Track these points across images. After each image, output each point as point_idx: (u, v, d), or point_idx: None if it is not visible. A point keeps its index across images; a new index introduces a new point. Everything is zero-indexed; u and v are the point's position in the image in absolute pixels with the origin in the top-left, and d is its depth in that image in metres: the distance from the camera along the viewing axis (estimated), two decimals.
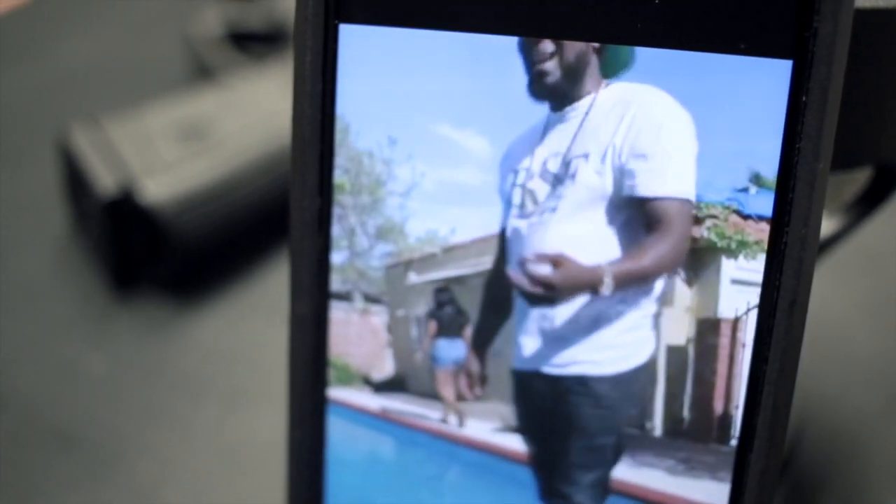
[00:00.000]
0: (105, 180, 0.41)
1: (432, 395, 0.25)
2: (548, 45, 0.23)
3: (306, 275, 0.24)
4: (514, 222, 0.25)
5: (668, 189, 0.23)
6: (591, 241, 0.24)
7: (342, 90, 0.23)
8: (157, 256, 0.42)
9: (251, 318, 0.42)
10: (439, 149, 0.24)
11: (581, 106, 0.23)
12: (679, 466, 0.24)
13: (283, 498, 0.26)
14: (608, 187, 0.24)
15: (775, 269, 0.22)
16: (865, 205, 0.30)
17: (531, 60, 0.23)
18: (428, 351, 0.25)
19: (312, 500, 0.26)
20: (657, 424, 0.24)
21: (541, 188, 0.25)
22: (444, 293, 0.25)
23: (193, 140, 0.43)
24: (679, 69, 0.22)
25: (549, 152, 0.24)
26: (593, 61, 0.23)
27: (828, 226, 0.30)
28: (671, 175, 0.23)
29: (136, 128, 0.43)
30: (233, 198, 0.42)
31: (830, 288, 0.42)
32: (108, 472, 0.36)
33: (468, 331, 0.25)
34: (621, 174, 0.23)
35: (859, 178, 0.29)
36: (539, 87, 0.23)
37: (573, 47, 0.23)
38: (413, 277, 0.25)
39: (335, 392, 0.26)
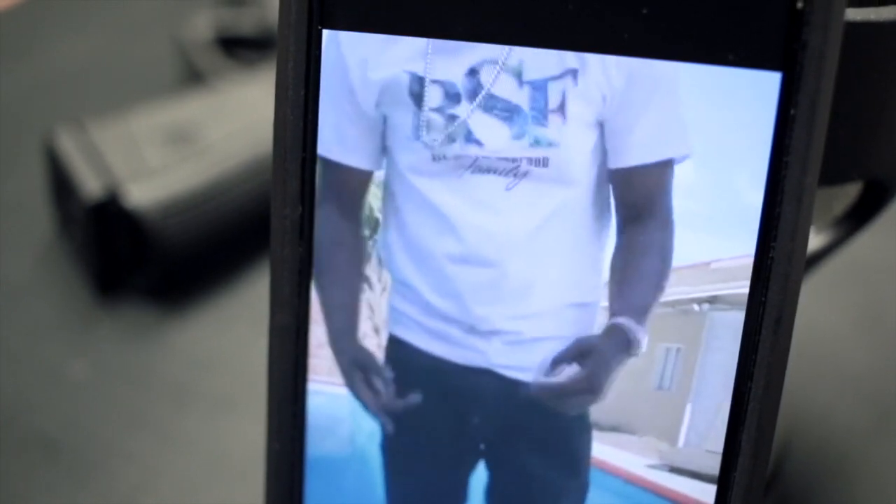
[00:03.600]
0: (90, 184, 0.40)
1: None
2: None
3: (287, 284, 0.24)
4: (422, 182, 0.21)
5: (663, 152, 0.20)
6: (588, 254, 0.21)
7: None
8: (142, 261, 0.42)
9: (235, 324, 0.41)
10: None
11: None
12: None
13: None
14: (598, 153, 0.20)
15: (761, 285, 0.22)
16: (855, 220, 0.29)
17: None
18: None
19: None
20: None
21: (485, 123, 0.20)
22: None
23: (180, 144, 0.43)
24: (667, 80, 0.22)
25: (477, 56, 0.20)
26: None
27: (817, 241, 0.30)
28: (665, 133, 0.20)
29: (122, 131, 0.43)
30: (218, 203, 0.42)
31: (819, 303, 0.42)
32: (89, 478, 0.35)
33: None
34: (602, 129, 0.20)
35: (849, 193, 0.29)
36: None
37: None
38: None
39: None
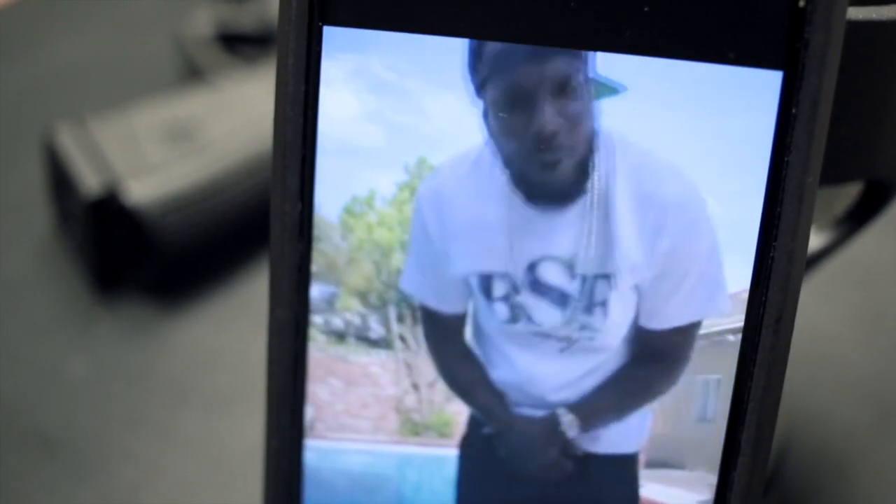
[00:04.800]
0: (89, 180, 0.40)
1: None
2: (549, 121, 0.22)
3: (286, 281, 0.24)
4: (505, 343, 0.24)
5: (697, 314, 0.23)
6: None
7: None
8: (141, 258, 0.42)
9: (235, 322, 0.41)
10: None
11: (585, 196, 0.22)
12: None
13: None
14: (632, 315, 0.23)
15: (761, 284, 0.22)
16: (856, 219, 0.29)
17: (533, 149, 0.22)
18: None
19: None
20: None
21: (538, 307, 0.23)
22: None
23: (180, 141, 0.43)
24: (667, 78, 0.21)
25: (531, 250, 0.23)
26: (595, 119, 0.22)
27: (818, 240, 0.30)
28: (706, 298, 0.23)
29: (121, 128, 0.43)
30: (218, 200, 0.42)
31: (820, 303, 0.42)
32: (88, 476, 0.35)
33: None
34: (640, 296, 0.23)
35: (850, 193, 0.29)
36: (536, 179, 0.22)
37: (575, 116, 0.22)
38: None
39: None
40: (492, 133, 0.22)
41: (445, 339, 0.24)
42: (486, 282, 0.24)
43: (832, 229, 0.30)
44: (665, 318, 0.23)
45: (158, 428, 0.37)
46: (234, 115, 0.44)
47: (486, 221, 0.23)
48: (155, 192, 0.41)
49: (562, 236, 0.23)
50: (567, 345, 0.24)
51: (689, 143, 0.22)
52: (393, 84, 0.23)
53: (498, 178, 0.23)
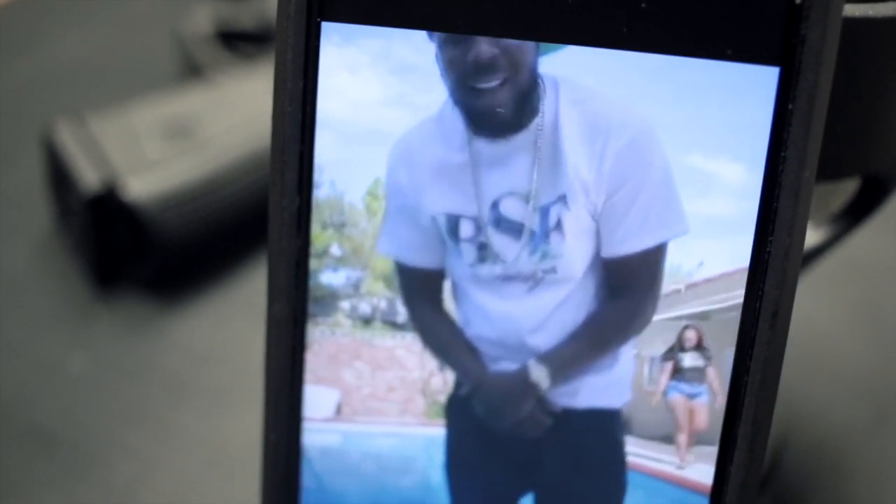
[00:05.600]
0: (89, 177, 0.40)
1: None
2: (484, 48, 0.22)
3: (284, 275, 0.24)
4: (477, 292, 0.24)
5: (655, 237, 0.23)
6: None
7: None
8: (140, 254, 0.42)
9: (233, 318, 0.41)
10: None
11: (533, 128, 0.23)
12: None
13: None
14: (593, 245, 0.23)
15: (758, 279, 0.22)
16: (853, 216, 0.29)
17: (466, 75, 0.22)
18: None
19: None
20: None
21: (503, 244, 0.24)
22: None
23: (179, 138, 0.43)
24: (664, 74, 0.22)
25: (492, 189, 0.23)
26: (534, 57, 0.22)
27: (815, 236, 0.30)
28: (660, 219, 0.23)
29: (121, 125, 0.43)
30: (217, 197, 0.42)
31: (817, 299, 0.42)
32: (87, 471, 0.35)
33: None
34: (598, 224, 0.23)
35: (847, 189, 0.29)
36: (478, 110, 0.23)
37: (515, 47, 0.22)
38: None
39: None
40: (445, 78, 0.23)
41: (422, 296, 0.24)
42: (453, 223, 0.24)
43: (829, 225, 0.30)
44: (623, 243, 0.23)
45: (157, 423, 0.37)
46: (234, 112, 0.45)
47: (449, 164, 0.23)
48: (154, 189, 0.41)
49: (517, 168, 0.23)
50: (533, 283, 0.24)
51: (687, 138, 0.22)
52: (401, 67, 0.23)
53: (457, 123, 0.23)
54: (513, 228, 0.24)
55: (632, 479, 0.24)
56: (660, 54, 0.21)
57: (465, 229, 0.24)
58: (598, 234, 0.23)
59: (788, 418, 0.37)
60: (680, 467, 0.24)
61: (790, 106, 0.21)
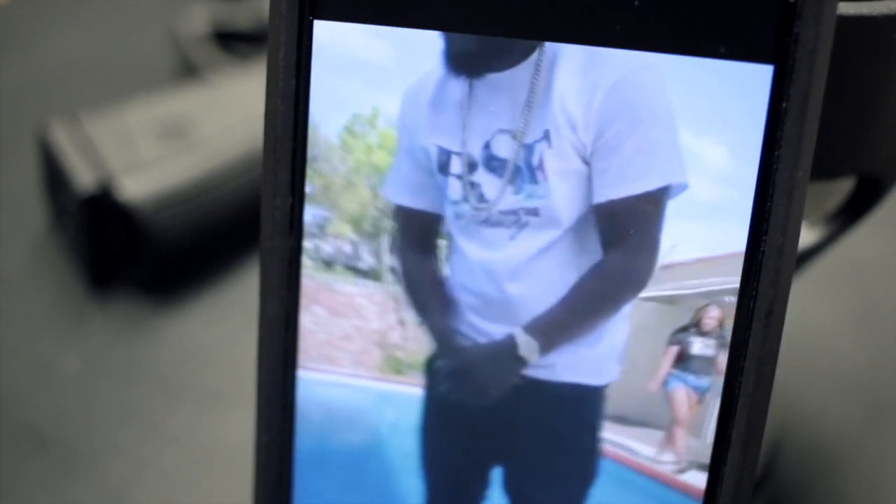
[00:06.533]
0: (83, 177, 0.40)
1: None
2: None
3: (276, 275, 0.24)
4: (463, 241, 0.23)
5: (649, 181, 0.22)
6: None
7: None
8: (135, 254, 0.41)
9: (227, 318, 0.41)
10: None
11: (532, 60, 0.22)
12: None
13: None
14: (582, 190, 0.22)
15: (752, 279, 0.22)
16: (848, 215, 0.29)
17: None
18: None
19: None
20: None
21: (489, 183, 0.23)
22: None
23: (174, 138, 0.43)
24: (656, 108, 0.21)
25: (486, 128, 0.23)
26: None
27: (810, 236, 0.30)
28: (657, 163, 0.22)
29: (115, 125, 0.43)
30: (212, 197, 0.42)
31: (812, 299, 0.42)
32: (79, 471, 0.35)
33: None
34: (590, 167, 0.22)
35: (842, 188, 0.29)
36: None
37: None
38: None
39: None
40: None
41: (416, 243, 0.24)
42: (444, 157, 0.23)
43: (824, 225, 0.30)
44: (614, 186, 0.22)
45: (150, 424, 0.37)
46: (229, 113, 0.44)
47: (448, 100, 0.23)
48: (148, 189, 0.41)
49: (511, 104, 0.22)
50: (516, 229, 0.23)
51: (680, 136, 0.22)
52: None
53: (458, 55, 0.22)
54: (499, 167, 0.23)
55: (608, 469, 0.24)
56: (653, 52, 0.21)
57: (455, 166, 0.23)
58: (589, 179, 0.22)
59: (783, 418, 0.37)
60: (672, 465, 0.23)
61: (784, 104, 0.21)
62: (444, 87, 0.23)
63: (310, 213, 0.24)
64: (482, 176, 0.23)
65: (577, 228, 0.23)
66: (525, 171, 0.23)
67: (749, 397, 0.22)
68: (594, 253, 0.23)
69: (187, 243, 0.42)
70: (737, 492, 0.23)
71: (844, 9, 0.23)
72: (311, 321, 0.24)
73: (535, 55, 0.22)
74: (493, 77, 0.22)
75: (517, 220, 0.23)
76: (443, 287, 0.24)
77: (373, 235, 0.24)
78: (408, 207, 0.23)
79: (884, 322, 0.42)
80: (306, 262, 0.24)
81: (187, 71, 0.51)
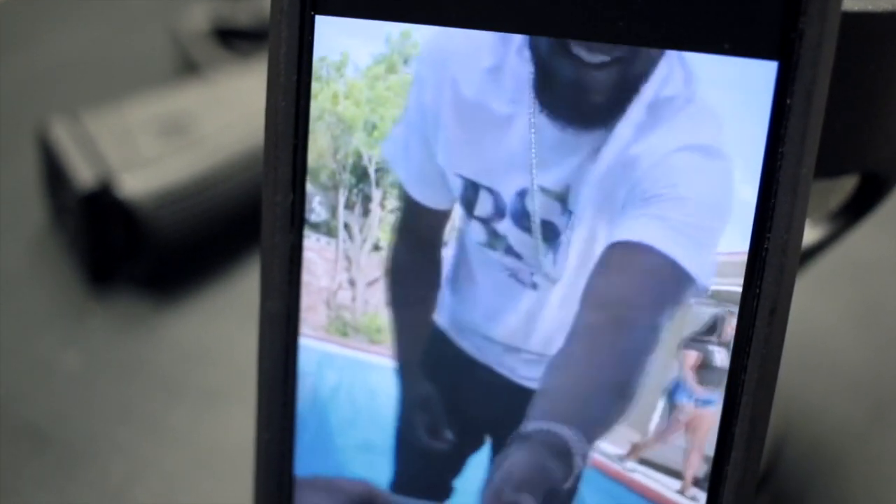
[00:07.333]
0: (83, 174, 0.40)
1: None
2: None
3: (277, 272, 0.24)
4: (481, 266, 0.22)
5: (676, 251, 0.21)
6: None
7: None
8: (134, 252, 0.41)
9: (228, 316, 0.41)
10: None
11: (610, 129, 0.21)
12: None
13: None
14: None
15: (756, 276, 0.22)
16: (851, 213, 0.29)
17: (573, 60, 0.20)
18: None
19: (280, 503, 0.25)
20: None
21: (518, 239, 0.22)
22: None
23: (174, 135, 0.43)
24: (661, 68, 0.21)
25: (529, 177, 0.22)
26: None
27: (813, 234, 0.30)
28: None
29: (115, 122, 0.43)
30: (212, 194, 0.42)
31: (815, 297, 0.42)
32: (79, 469, 0.35)
33: None
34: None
35: (845, 186, 0.29)
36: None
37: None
38: None
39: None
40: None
41: (414, 234, 0.23)
42: (471, 192, 0.22)
43: (828, 223, 0.30)
44: (638, 231, 0.21)
45: (150, 422, 0.37)
46: (229, 110, 0.44)
47: (492, 115, 0.21)
48: (148, 186, 0.40)
49: (564, 163, 0.21)
50: (530, 290, 0.22)
51: (684, 132, 0.22)
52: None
53: (522, 86, 0.21)
54: (529, 225, 0.22)
55: (589, 478, 0.23)
56: (657, 48, 0.21)
57: (483, 206, 0.22)
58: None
59: (786, 417, 0.37)
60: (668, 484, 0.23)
61: (788, 101, 0.21)
62: (493, 94, 0.21)
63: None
64: (510, 230, 0.22)
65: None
66: (563, 242, 0.22)
67: (752, 395, 0.22)
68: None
69: (188, 241, 0.42)
70: (740, 489, 0.23)
71: (849, 5, 0.23)
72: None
73: (620, 121, 0.21)
74: (559, 127, 0.21)
75: (533, 283, 0.22)
76: (436, 277, 0.23)
77: (329, 188, 0.23)
78: (410, 196, 0.23)
79: (886, 320, 0.42)
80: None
81: (188, 68, 0.51)
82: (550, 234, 0.22)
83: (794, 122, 0.21)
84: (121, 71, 0.54)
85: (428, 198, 0.23)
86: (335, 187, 0.23)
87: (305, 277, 0.23)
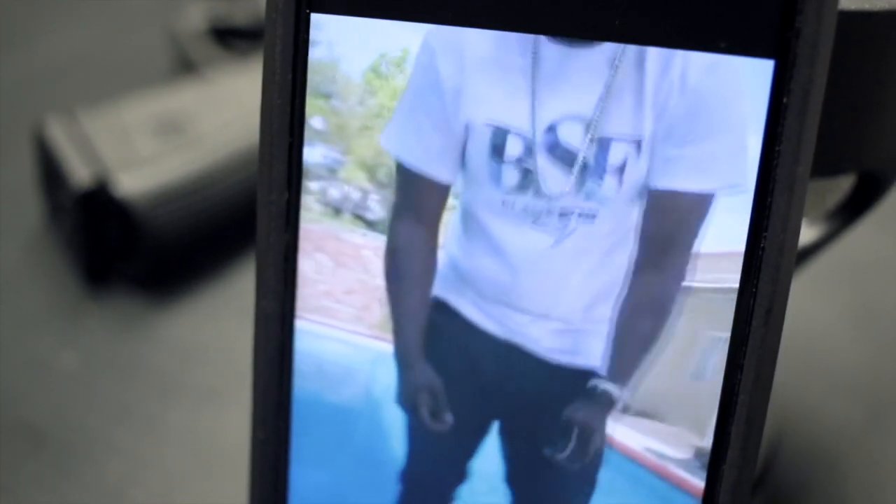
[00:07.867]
0: (79, 173, 0.40)
1: None
2: None
3: (273, 271, 0.24)
4: (503, 226, 0.22)
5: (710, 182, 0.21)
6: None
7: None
8: (131, 251, 0.41)
9: (224, 315, 0.41)
10: None
11: (608, 47, 0.20)
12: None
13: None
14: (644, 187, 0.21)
15: (752, 276, 0.22)
16: (848, 213, 0.29)
17: None
18: None
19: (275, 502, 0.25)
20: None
21: (553, 175, 0.21)
22: None
23: (171, 134, 0.43)
24: (658, 66, 0.21)
25: (558, 111, 0.21)
26: None
27: (810, 234, 0.30)
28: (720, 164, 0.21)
29: (112, 121, 0.42)
30: (209, 193, 0.42)
31: (812, 297, 0.42)
32: (75, 468, 0.35)
33: None
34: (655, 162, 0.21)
35: (842, 186, 0.29)
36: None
37: None
38: None
39: None
40: None
41: (415, 210, 0.22)
42: (499, 138, 0.21)
43: (824, 223, 0.30)
44: (681, 177, 0.21)
45: (147, 420, 0.37)
46: (226, 109, 0.44)
47: (507, 67, 0.21)
48: (145, 185, 0.40)
49: (585, 87, 0.21)
50: (561, 234, 0.21)
51: (680, 131, 0.22)
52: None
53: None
54: (567, 159, 0.21)
55: (614, 463, 0.23)
56: (653, 47, 0.21)
57: (513, 148, 0.21)
58: (647, 170, 0.21)
59: (783, 417, 0.37)
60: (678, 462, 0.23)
61: (785, 100, 0.21)
62: (499, 46, 0.21)
63: (319, 153, 0.22)
64: (544, 165, 0.21)
65: (617, 227, 0.22)
66: (594, 170, 0.21)
67: (748, 395, 0.22)
68: (624, 247, 0.22)
69: (184, 240, 0.42)
70: (736, 490, 0.23)
71: (846, 4, 0.23)
72: (313, 269, 0.23)
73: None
74: (565, 49, 0.21)
75: (566, 224, 0.22)
76: (432, 268, 0.23)
77: (386, 186, 0.22)
78: (414, 171, 0.22)
79: (883, 321, 0.42)
80: (312, 206, 0.23)
81: (185, 67, 0.51)
82: (584, 165, 0.21)
83: (791, 122, 0.21)
84: (117, 70, 0.54)
85: (434, 169, 0.22)
86: (392, 185, 0.23)
87: (362, 276, 0.23)
